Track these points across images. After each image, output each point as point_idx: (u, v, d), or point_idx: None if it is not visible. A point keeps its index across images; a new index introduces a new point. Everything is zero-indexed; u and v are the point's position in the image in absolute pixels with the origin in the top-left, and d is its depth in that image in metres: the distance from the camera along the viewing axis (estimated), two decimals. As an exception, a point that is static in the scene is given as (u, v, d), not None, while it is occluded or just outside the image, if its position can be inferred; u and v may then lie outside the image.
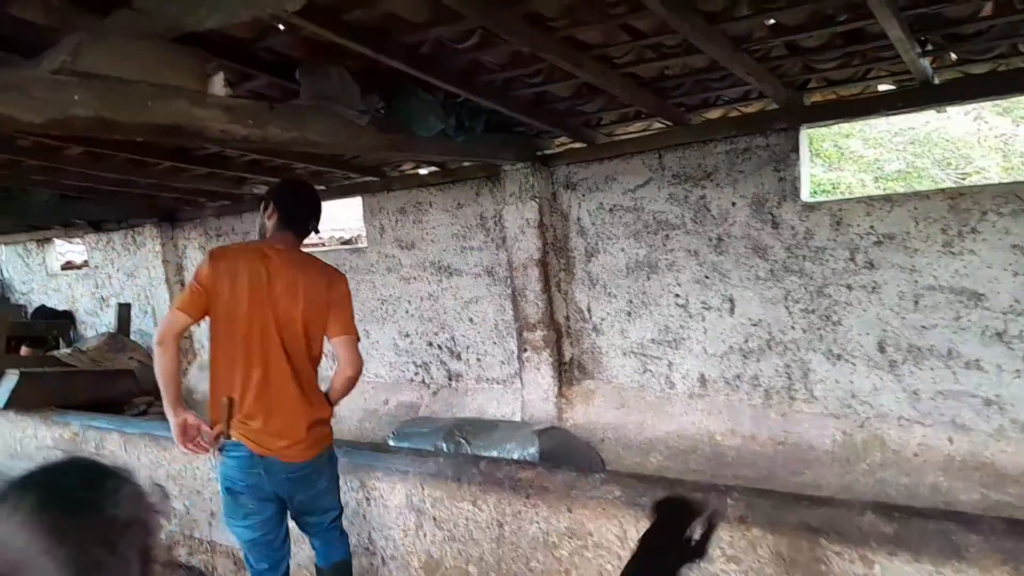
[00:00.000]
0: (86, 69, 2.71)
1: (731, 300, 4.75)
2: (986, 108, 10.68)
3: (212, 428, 2.62)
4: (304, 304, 2.67)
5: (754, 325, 4.69)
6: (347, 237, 8.00)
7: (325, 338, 2.77)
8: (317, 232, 2.97)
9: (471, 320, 6.00)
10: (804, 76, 4.22)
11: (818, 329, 4.47)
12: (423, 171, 6.27)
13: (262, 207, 2.90)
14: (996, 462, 3.96)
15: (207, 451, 2.69)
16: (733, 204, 4.65)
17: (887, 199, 4.16)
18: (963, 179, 9.45)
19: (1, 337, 6.57)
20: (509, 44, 3.56)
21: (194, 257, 7.99)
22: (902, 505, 2.50)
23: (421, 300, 6.29)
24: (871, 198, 4.24)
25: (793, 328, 4.55)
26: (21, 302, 9.73)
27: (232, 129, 3.26)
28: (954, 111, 10.52)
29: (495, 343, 5.89)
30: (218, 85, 3.23)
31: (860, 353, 4.35)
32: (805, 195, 4.46)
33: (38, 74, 2.65)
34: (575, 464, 4.61)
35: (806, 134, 4.46)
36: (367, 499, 3.41)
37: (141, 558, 0.94)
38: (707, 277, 4.81)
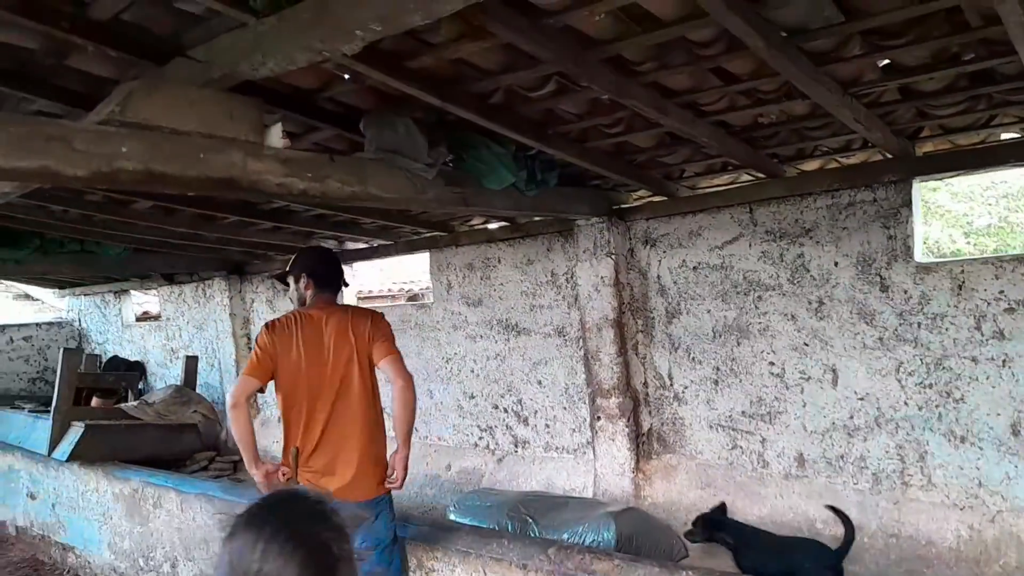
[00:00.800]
0: (136, 120, 2.53)
1: (834, 370, 4.24)
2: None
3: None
4: (355, 342, 2.98)
5: (860, 399, 4.17)
6: (415, 291, 7.79)
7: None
8: (347, 286, 3.36)
9: (539, 383, 5.62)
10: (917, 124, 3.79)
11: (937, 407, 3.92)
12: (492, 226, 6.02)
13: (292, 280, 3.20)
14: None
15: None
16: (836, 264, 4.19)
17: (1020, 260, 3.64)
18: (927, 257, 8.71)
19: (71, 388, 6.54)
20: (588, 91, 3.28)
21: (261, 311, 7.90)
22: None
23: (487, 360, 5.96)
24: (1000, 259, 3.72)
25: (907, 404, 4.02)
26: (96, 352, 9.84)
27: (289, 183, 3.04)
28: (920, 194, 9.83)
29: (565, 408, 5.48)
30: (276, 136, 3.03)
31: (989, 436, 3.78)
32: (919, 255, 3.97)
33: (84, 125, 2.49)
34: (655, 552, 4.14)
35: (919, 188, 3.99)
36: (425, 579, 3.11)
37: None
38: (806, 344, 4.33)
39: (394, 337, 3.11)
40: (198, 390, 8.26)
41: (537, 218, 5.56)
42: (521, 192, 4.15)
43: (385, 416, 3.16)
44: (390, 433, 3.09)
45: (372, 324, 3.06)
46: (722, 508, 3.99)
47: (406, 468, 3.05)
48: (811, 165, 4.43)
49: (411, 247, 6.51)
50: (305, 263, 3.22)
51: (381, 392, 3.16)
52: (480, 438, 6.06)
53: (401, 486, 3.08)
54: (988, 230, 9.99)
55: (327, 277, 3.21)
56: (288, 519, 1.17)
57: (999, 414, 3.74)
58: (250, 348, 7.92)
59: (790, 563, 3.63)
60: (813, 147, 4.22)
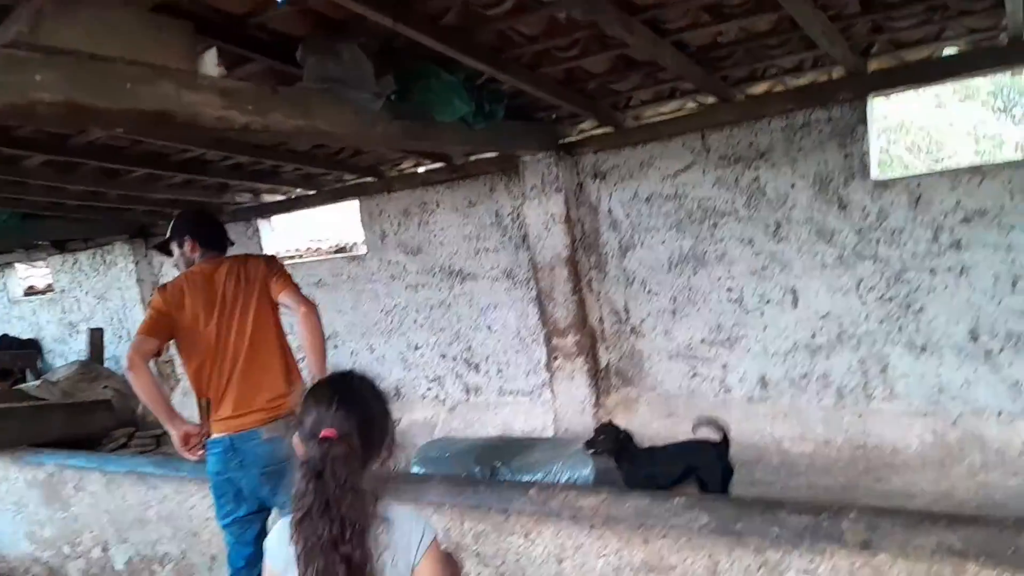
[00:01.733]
0: (49, 43, 2.13)
1: (794, 292, 4.26)
2: (950, 96, 10.64)
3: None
4: (248, 286, 2.89)
5: (822, 318, 4.21)
6: (343, 244, 7.39)
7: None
8: (232, 244, 3.21)
9: (489, 328, 5.44)
10: (871, 38, 3.75)
11: (897, 319, 4.00)
12: (423, 169, 5.72)
13: (176, 247, 3.06)
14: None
15: (202, 453, 2.88)
16: (792, 186, 4.16)
17: (976, 171, 3.70)
18: (936, 164, 9.22)
19: (-40, 373, 5.92)
20: (548, 8, 3.05)
21: (172, 274, 7.26)
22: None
23: (431, 309, 5.72)
24: (957, 171, 3.78)
25: (868, 319, 4.08)
26: (-20, 332, 8.97)
27: (230, 116, 2.71)
28: (922, 99, 10.43)
29: (518, 351, 5.34)
30: (211, 64, 2.69)
31: (948, 343, 3.89)
32: (875, 172, 3.98)
33: (-13, 48, 2.07)
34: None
35: (873, 104, 3.98)
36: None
37: None
38: (764, 268, 4.31)
39: (290, 275, 3.01)
40: (106, 364, 7.68)
41: (474, 158, 5.31)
42: (469, 126, 3.90)
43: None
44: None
45: (265, 264, 2.99)
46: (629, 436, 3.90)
47: None
48: (759, 88, 4.35)
49: (337, 195, 6.13)
50: (185, 226, 3.08)
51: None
52: (428, 388, 5.85)
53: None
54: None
55: (211, 236, 3.08)
56: (348, 388, 1.58)
57: (958, 322, 3.85)
58: (163, 316, 7.38)
59: (686, 465, 3.71)
60: (764, 69, 4.14)
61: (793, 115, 4.12)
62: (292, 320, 2.94)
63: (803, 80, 4.21)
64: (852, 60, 3.72)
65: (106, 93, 2.26)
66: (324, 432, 1.49)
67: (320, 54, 3.05)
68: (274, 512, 2.94)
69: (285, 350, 2.99)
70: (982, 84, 10.71)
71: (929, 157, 9.82)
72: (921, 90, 4.23)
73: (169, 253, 3.15)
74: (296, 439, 1.57)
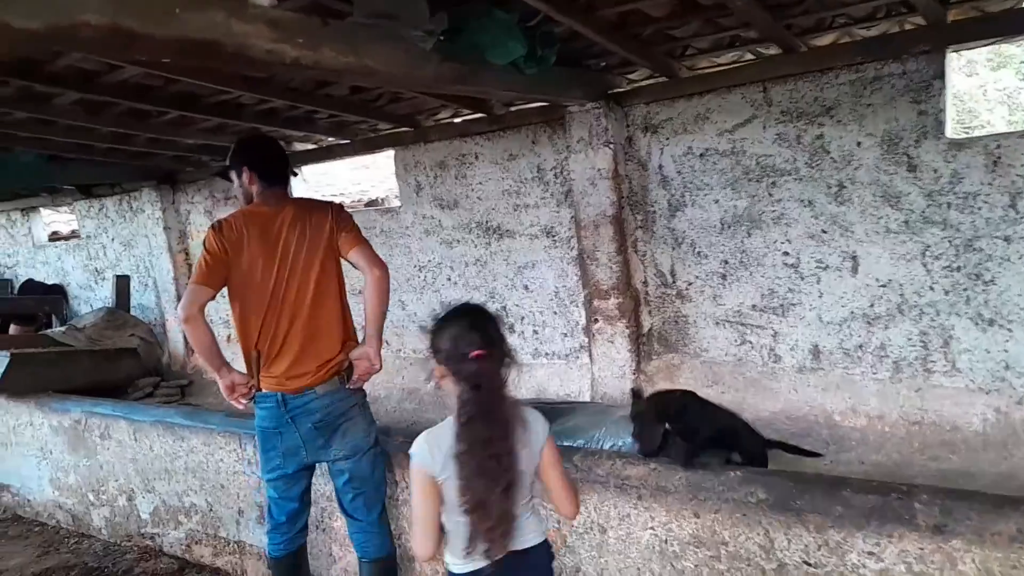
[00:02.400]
0: (98, -39, 1.96)
1: (854, 258, 4.05)
2: (982, 63, 10.31)
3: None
4: (314, 236, 2.73)
5: (882, 287, 4.00)
6: (375, 197, 7.23)
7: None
8: (295, 175, 3.05)
9: (526, 287, 5.27)
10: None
11: (964, 290, 3.79)
12: (459, 119, 5.51)
13: (235, 176, 2.87)
14: None
15: (246, 403, 2.82)
16: (859, 144, 3.92)
17: (1065, 132, 3.46)
18: (968, 133, 8.93)
19: (-13, 316, 5.85)
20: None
21: (199, 223, 7.19)
22: None
23: (466, 266, 5.55)
24: (1043, 131, 3.53)
25: (932, 289, 3.87)
26: (6, 276, 8.92)
27: (280, 49, 2.53)
28: (955, 65, 10.02)
29: (556, 313, 5.18)
30: (263, -8, 2.49)
31: (1020, 317, 3.68)
32: (950, 131, 3.74)
33: (33, -36, 1.90)
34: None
35: (951, 58, 3.72)
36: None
37: None
38: (824, 231, 4.10)
39: (359, 230, 2.84)
40: (132, 312, 7.61)
41: (515, 108, 5.09)
42: (520, 71, 3.69)
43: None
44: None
45: (333, 215, 2.79)
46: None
47: (373, 361, 2.78)
48: (825, 39, 4.10)
49: (371, 145, 5.93)
50: (244, 155, 2.87)
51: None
52: (460, 348, 5.73)
53: (366, 378, 2.83)
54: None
55: (271, 168, 2.86)
56: (476, 313, 1.92)
57: (1032, 294, 3.64)
58: (189, 264, 7.29)
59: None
60: (832, 19, 3.88)
61: (863, 68, 3.86)
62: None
63: (874, 31, 3.96)
64: (932, 8, 3.46)
65: (154, 18, 2.10)
66: (474, 352, 1.79)
67: (371, -14, 2.85)
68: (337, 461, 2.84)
69: (346, 313, 2.84)
70: (1016, 52, 10.37)
71: (960, 125, 9.50)
72: (1000, 44, 3.93)
73: (229, 180, 2.96)
74: (437, 366, 1.87)
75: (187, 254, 7.31)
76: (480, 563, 1.85)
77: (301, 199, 2.95)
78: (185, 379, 7.30)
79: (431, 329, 1.91)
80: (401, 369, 5.91)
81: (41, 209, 8.87)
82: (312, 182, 8.81)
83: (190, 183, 7.13)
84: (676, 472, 2.83)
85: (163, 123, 5.16)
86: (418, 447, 1.86)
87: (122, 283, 7.53)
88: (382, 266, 2.74)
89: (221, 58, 2.45)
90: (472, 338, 1.81)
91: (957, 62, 6.95)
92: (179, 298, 7.30)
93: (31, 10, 1.86)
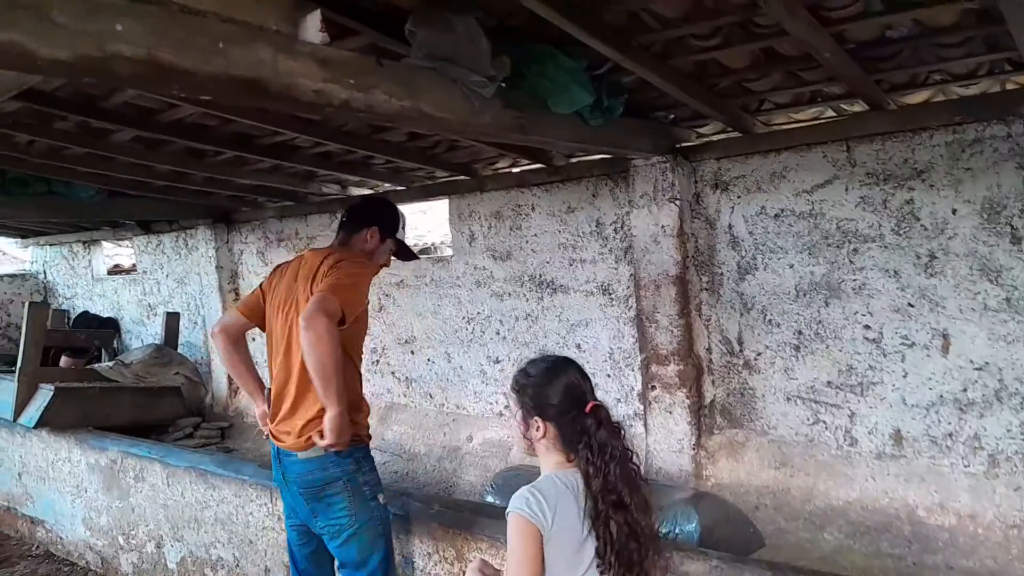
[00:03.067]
0: (132, -13, 1.83)
1: (944, 335, 3.66)
2: None
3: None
4: (306, 287, 2.61)
5: (977, 369, 3.59)
6: (427, 244, 7.09)
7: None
8: (346, 219, 3.00)
9: (579, 347, 4.98)
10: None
11: (1076, 379, 3.37)
12: (517, 169, 5.33)
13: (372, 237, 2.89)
14: None
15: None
16: (954, 211, 3.57)
17: None
18: None
19: (38, 347, 5.81)
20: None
21: (251, 263, 7.14)
22: None
23: (516, 320, 5.30)
24: None
25: (1036, 376, 3.46)
26: (64, 307, 9.03)
27: (329, 90, 2.36)
28: None
29: (609, 376, 4.86)
30: (313, 28, 2.36)
31: None
32: (1062, 200, 3.38)
33: (64, -10, 1.76)
34: (733, 545, 3.57)
35: (1065, 120, 3.37)
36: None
37: None
38: (911, 305, 3.72)
39: (349, 284, 2.55)
40: (180, 350, 7.57)
41: (576, 159, 4.89)
42: (584, 121, 3.49)
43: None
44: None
45: (331, 265, 2.59)
46: None
47: (332, 431, 2.42)
48: (918, 97, 3.80)
49: (427, 193, 5.79)
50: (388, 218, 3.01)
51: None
52: (507, 407, 5.42)
53: (326, 449, 2.48)
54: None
55: (345, 217, 2.98)
56: (576, 365, 1.96)
57: None
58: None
59: None
60: (926, 75, 3.58)
61: (961, 129, 3.53)
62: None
63: (973, 89, 3.64)
64: (1046, 67, 3.15)
65: (194, 51, 1.94)
66: (592, 403, 1.82)
67: (431, 26, 2.69)
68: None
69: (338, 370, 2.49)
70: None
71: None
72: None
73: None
74: (542, 422, 1.86)
75: (237, 294, 7.25)
76: None
77: (333, 248, 2.85)
78: (226, 421, 7.18)
79: (532, 384, 1.88)
80: (443, 425, 5.66)
81: (103, 243, 9.01)
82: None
83: (244, 223, 7.11)
84: (742, 571, 2.54)
85: (219, 162, 5.12)
86: (530, 501, 1.77)
87: (172, 320, 7.51)
88: (308, 315, 2.36)
89: (266, 97, 2.29)
90: (587, 388, 1.86)
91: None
92: (226, 338, 7.25)
93: (60, 39, 1.71)
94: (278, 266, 2.93)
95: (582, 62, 3.17)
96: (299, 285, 2.67)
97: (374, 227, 2.87)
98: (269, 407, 2.76)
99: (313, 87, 2.29)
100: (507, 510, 1.82)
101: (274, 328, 2.75)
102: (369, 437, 2.75)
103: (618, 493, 1.74)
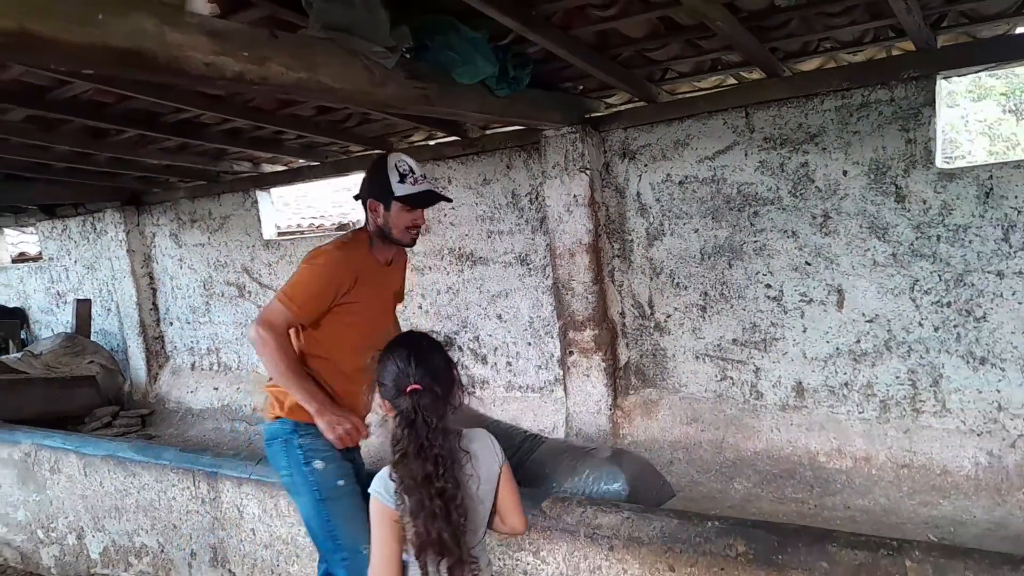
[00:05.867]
0: (-2, -46, 1.76)
1: (839, 291, 3.86)
2: (963, 94, 10.39)
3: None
4: None
5: (869, 322, 3.82)
6: (345, 221, 7.01)
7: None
8: (357, 199, 2.65)
9: (499, 317, 5.06)
10: (943, 9, 3.35)
11: (955, 327, 3.61)
12: (433, 142, 5.33)
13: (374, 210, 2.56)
14: None
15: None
16: (845, 173, 3.76)
17: (1060, 162, 3.31)
18: (948, 163, 8.86)
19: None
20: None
21: (164, 246, 6.94)
22: None
23: (438, 294, 5.33)
24: (1038, 161, 3.38)
25: (921, 325, 3.69)
26: (-34, 299, 8.61)
27: (220, 62, 2.31)
28: (943, 94, 10.11)
29: (530, 344, 4.96)
30: (200, 1, 2.29)
31: (1013, 356, 3.50)
32: (940, 161, 3.59)
33: (-82, -45, 1.69)
34: (647, 496, 3.71)
35: (942, 85, 3.57)
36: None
37: None
38: (808, 263, 3.92)
39: (296, 283, 2.43)
40: (93, 337, 7.33)
41: (491, 131, 4.92)
42: (491, 92, 3.51)
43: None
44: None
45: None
46: None
47: (329, 427, 2.42)
48: (811, 64, 3.96)
49: (342, 168, 5.73)
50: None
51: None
52: (430, 380, 5.49)
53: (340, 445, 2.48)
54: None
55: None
56: (418, 345, 1.85)
57: (1025, 332, 3.47)
58: (153, 288, 7.08)
59: None
60: (817, 43, 3.74)
61: (850, 94, 3.71)
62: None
63: (861, 56, 3.82)
64: (923, 33, 3.32)
65: (70, 22, 1.87)
66: (410, 386, 1.75)
67: (329, -2, 2.67)
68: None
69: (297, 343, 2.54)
70: (995, 84, 10.42)
71: (942, 155, 9.58)
72: (990, 71, 3.79)
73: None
74: (379, 399, 1.85)
75: (151, 278, 7.05)
76: None
77: (359, 227, 2.68)
78: (147, 408, 7.00)
79: (379, 364, 1.85)
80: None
81: (5, 230, 8.60)
82: (293, 204, 8.61)
83: (155, 204, 6.89)
84: (652, 521, 2.64)
85: (122, 142, 4.94)
86: (380, 483, 1.79)
87: (83, 308, 7.25)
88: (257, 324, 2.36)
89: (154, 70, 2.22)
90: (411, 371, 1.78)
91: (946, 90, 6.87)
92: (141, 323, 7.05)
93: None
94: None
95: (485, 33, 3.19)
96: None
97: (369, 199, 2.58)
98: None
99: (204, 60, 2.23)
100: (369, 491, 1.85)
101: None
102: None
103: (426, 471, 1.72)
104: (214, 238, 6.58)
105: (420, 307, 5.43)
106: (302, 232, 6.97)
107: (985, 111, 10.45)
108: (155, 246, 7.02)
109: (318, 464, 2.67)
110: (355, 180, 6.12)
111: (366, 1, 2.70)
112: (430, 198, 2.59)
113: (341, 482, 2.53)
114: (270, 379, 2.53)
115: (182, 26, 2.16)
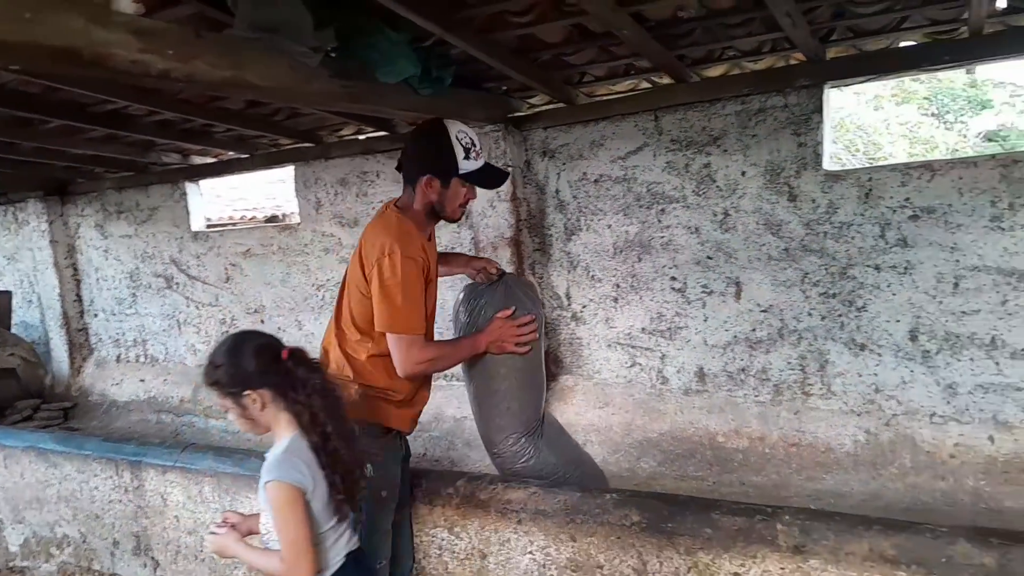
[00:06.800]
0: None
1: (737, 283, 4.18)
2: (887, 98, 11.00)
3: None
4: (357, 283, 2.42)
5: (764, 312, 4.14)
6: (276, 214, 7.06)
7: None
8: (398, 170, 2.52)
9: (426, 308, 5.22)
10: (831, 24, 3.66)
11: (839, 316, 3.95)
12: (363, 136, 5.45)
13: (430, 187, 2.41)
14: (1043, 463, 3.55)
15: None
16: (743, 173, 4.07)
17: (927, 167, 3.66)
18: (871, 163, 9.44)
19: None
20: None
21: (89, 237, 6.87)
22: (1003, 530, 2.01)
23: (366, 285, 5.45)
24: (908, 166, 3.73)
25: (810, 315, 4.03)
26: None
27: (147, 60, 2.42)
28: (860, 99, 10.72)
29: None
30: (125, 0, 2.40)
31: (888, 342, 3.86)
32: (827, 163, 3.92)
33: None
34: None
35: (829, 93, 3.90)
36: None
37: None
38: (710, 258, 4.22)
39: (394, 308, 2.30)
40: (14, 330, 7.19)
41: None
42: (414, 91, 3.68)
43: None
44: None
45: (372, 263, 2.30)
46: None
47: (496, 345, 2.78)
48: (715, 71, 4.25)
49: (272, 160, 5.81)
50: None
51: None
52: (359, 369, 5.62)
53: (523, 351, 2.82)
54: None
55: (401, 158, 2.50)
56: (248, 332, 2.01)
57: (898, 320, 3.82)
58: (77, 279, 6.99)
59: None
60: (721, 51, 4.03)
61: (749, 99, 4.01)
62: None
63: (761, 64, 4.12)
64: (812, 45, 3.63)
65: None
66: (285, 349, 1.91)
67: (253, -2, 2.79)
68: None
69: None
70: (919, 88, 11.00)
71: (866, 157, 10.08)
72: (874, 82, 4.16)
73: None
74: (245, 393, 1.87)
75: (75, 269, 6.97)
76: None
77: (397, 207, 2.50)
78: (69, 401, 6.92)
79: (225, 368, 1.85)
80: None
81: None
82: (224, 196, 8.57)
83: (81, 195, 6.82)
84: (556, 495, 2.84)
85: (48, 131, 4.92)
86: (289, 466, 1.81)
87: (3, 299, 7.11)
88: (404, 371, 2.38)
89: (80, 66, 2.33)
90: (274, 340, 1.90)
91: (840, 97, 7.28)
92: (64, 315, 6.95)
93: None
94: None
95: (407, 35, 3.35)
96: (352, 270, 2.44)
97: (427, 175, 2.35)
98: None
99: (130, 57, 2.33)
100: (266, 480, 1.81)
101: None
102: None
103: (322, 424, 1.82)
104: (141, 229, 6.56)
105: (349, 298, 5.55)
106: (233, 223, 6.99)
107: (906, 114, 11.05)
108: (80, 237, 6.94)
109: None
110: (286, 173, 6.21)
111: (290, 3, 2.84)
112: (499, 177, 2.49)
113: (384, 493, 2.41)
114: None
115: (109, 25, 2.25)
